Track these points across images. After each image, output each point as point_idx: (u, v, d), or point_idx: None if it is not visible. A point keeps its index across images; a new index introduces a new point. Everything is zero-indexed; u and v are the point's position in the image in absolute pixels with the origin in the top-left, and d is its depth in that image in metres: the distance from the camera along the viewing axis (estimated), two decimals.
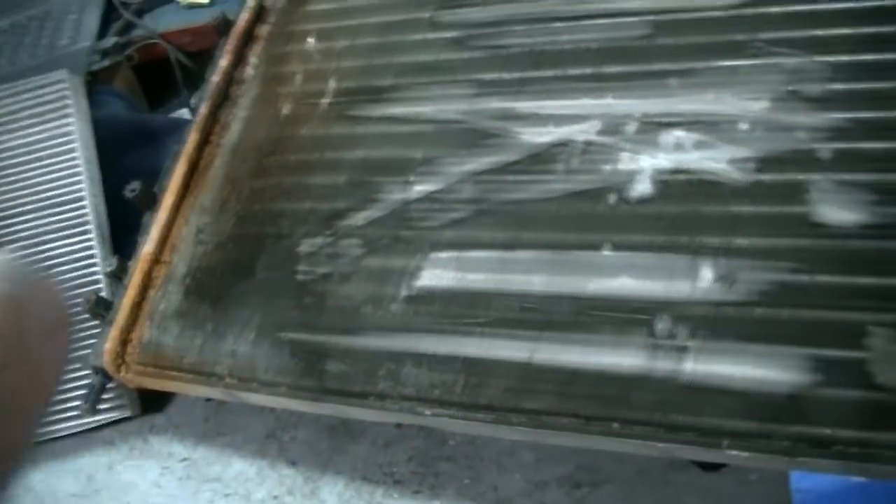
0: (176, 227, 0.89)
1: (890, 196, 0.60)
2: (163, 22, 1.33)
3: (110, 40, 1.32)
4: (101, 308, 0.89)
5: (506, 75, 0.80)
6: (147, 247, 0.88)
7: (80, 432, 1.01)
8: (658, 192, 0.68)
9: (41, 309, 0.22)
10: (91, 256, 1.03)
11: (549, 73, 0.78)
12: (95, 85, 1.25)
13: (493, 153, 0.75)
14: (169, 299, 0.85)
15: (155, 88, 1.37)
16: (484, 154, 0.76)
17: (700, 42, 0.73)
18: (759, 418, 0.57)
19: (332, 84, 0.90)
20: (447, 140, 0.78)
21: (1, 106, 1.15)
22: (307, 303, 0.77)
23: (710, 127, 0.68)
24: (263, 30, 1.00)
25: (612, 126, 0.72)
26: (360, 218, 0.78)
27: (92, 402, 0.89)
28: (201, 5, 1.31)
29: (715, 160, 0.67)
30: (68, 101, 1.14)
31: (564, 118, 0.74)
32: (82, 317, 0.90)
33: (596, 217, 0.69)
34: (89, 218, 1.04)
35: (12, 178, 1.09)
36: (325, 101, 0.89)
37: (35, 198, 1.07)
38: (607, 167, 0.70)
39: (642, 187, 0.68)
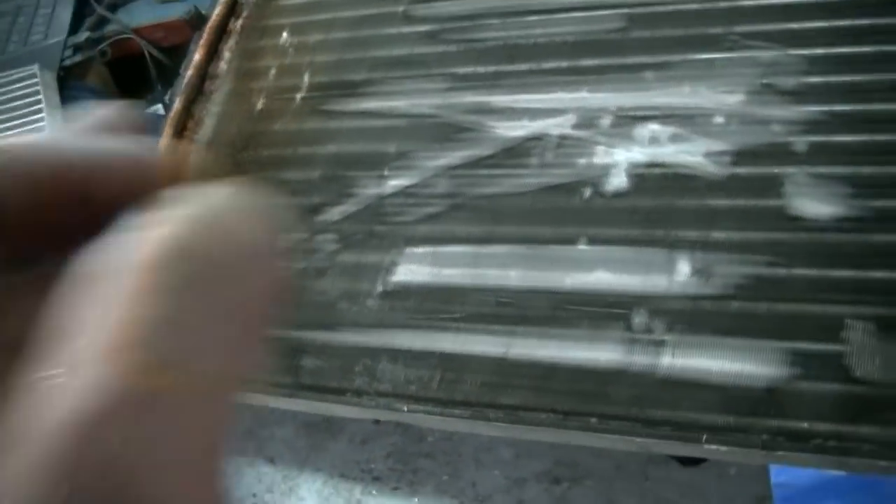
0: None
1: (866, 189, 0.60)
2: (136, 17, 1.32)
3: (83, 35, 1.30)
4: None
5: (480, 69, 0.79)
6: None
7: None
8: (633, 185, 0.67)
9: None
10: None
11: (524, 66, 0.77)
12: (68, 80, 1.24)
13: (467, 147, 0.75)
14: None
15: (129, 84, 1.36)
16: (458, 148, 0.75)
17: (675, 35, 0.72)
18: (736, 412, 0.57)
19: (305, 79, 0.89)
20: (421, 134, 0.78)
21: None
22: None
23: (685, 120, 0.68)
24: (237, 24, 0.99)
25: (587, 119, 0.71)
26: (334, 213, 0.78)
27: None
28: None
29: (690, 153, 0.66)
30: (40, 97, 1.12)
31: (539, 112, 0.74)
32: None
33: (571, 211, 0.68)
34: None
35: None
36: (298, 95, 0.88)
37: None
38: (582, 161, 0.70)
39: (618, 181, 0.68)
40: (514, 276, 0.68)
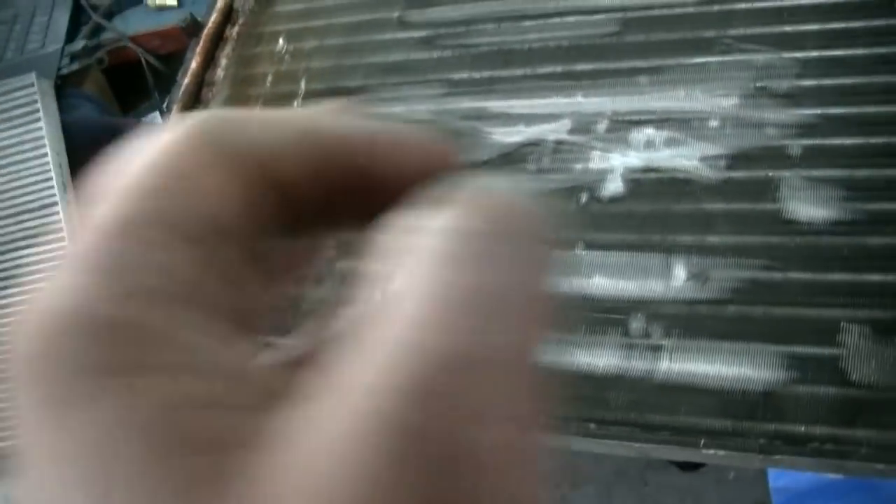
0: None
1: (860, 192, 0.60)
2: (132, 24, 1.32)
3: (80, 43, 1.31)
4: None
5: (476, 74, 0.79)
6: None
7: None
8: (629, 190, 0.67)
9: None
10: None
11: (519, 71, 0.77)
12: (65, 88, 1.24)
13: (464, 153, 0.75)
14: None
15: (126, 91, 1.36)
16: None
17: (670, 39, 0.72)
18: (734, 416, 0.57)
19: (302, 85, 0.89)
20: None
21: None
22: None
23: (680, 124, 0.68)
24: (233, 31, 0.99)
25: (583, 125, 0.72)
26: None
27: None
28: (170, 7, 1.30)
29: (686, 158, 0.66)
30: (38, 106, 1.12)
31: (535, 117, 0.74)
32: None
33: (568, 216, 0.68)
34: (62, 224, 1.03)
35: None
36: (295, 102, 0.88)
37: (5, 204, 1.06)
38: (578, 166, 0.70)
39: (614, 186, 0.68)
40: None
